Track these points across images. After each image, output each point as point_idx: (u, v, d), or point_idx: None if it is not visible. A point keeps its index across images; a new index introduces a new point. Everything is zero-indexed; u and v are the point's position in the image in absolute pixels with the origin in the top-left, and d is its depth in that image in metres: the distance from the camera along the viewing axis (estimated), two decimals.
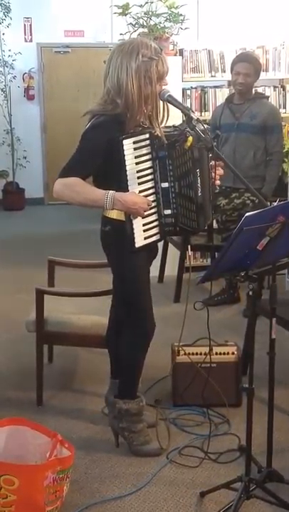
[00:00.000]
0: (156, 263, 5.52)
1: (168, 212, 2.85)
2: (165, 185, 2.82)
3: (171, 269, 5.47)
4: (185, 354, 3.43)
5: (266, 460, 2.68)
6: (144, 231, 2.82)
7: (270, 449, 2.68)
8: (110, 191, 2.71)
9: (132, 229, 2.78)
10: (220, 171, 2.93)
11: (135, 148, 2.75)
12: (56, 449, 2.62)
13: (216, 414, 3.38)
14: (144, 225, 2.81)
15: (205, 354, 3.38)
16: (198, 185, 2.76)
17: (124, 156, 2.71)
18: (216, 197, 4.93)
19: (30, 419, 2.92)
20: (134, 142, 2.74)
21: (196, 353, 3.43)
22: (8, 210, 9.41)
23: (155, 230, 2.86)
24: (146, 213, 2.79)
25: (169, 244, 5.57)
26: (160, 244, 5.31)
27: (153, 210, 2.83)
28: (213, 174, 2.86)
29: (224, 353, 3.45)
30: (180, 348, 3.45)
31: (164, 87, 2.77)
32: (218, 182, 2.92)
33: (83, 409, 3.50)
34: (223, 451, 3.06)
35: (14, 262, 6.48)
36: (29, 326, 3.50)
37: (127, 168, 2.73)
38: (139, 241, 2.81)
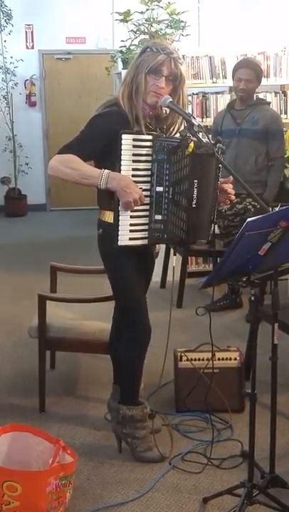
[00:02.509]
0: (158, 268, 5.53)
1: (158, 217, 2.80)
2: (160, 189, 2.78)
3: (175, 275, 5.46)
4: (187, 360, 3.43)
5: (269, 465, 2.68)
6: (131, 231, 2.77)
7: (273, 454, 2.67)
8: (106, 169, 2.71)
9: (118, 225, 2.75)
10: (231, 197, 2.89)
11: (134, 146, 2.73)
12: (59, 455, 2.62)
13: (218, 420, 3.37)
14: (131, 225, 2.77)
15: (207, 359, 3.38)
16: (194, 195, 2.70)
17: (120, 150, 2.70)
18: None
19: (33, 425, 2.92)
20: (134, 139, 2.72)
21: (199, 359, 3.43)
22: (11, 217, 9.44)
23: (142, 234, 2.81)
24: (135, 214, 2.76)
25: (171, 250, 5.56)
26: (162, 251, 5.35)
27: (144, 213, 2.79)
28: (217, 192, 2.81)
29: (227, 359, 3.45)
30: (182, 354, 3.45)
31: (164, 97, 2.77)
32: (225, 206, 2.89)
33: (86, 415, 3.50)
34: (226, 457, 3.06)
35: (16, 268, 6.49)
36: (31, 332, 3.50)
37: (122, 163, 2.71)
38: (123, 240, 2.76)
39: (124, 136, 2.70)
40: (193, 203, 2.69)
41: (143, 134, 2.75)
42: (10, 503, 2.46)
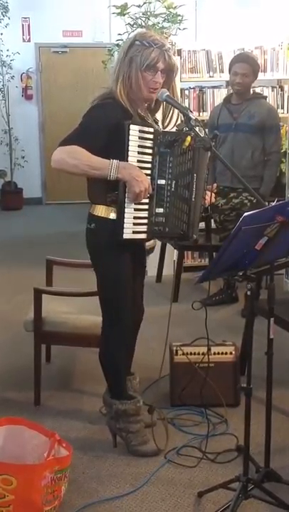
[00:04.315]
0: (154, 263, 5.54)
1: (160, 210, 2.79)
2: (162, 182, 2.78)
3: (170, 269, 5.47)
4: (183, 354, 3.43)
5: (264, 460, 2.68)
6: (134, 224, 2.76)
7: (268, 448, 2.68)
8: (114, 160, 2.67)
9: (123, 217, 2.72)
10: (212, 198, 2.93)
11: (140, 138, 2.71)
12: (54, 448, 2.62)
13: (214, 414, 3.38)
14: (135, 217, 2.76)
15: (203, 354, 3.38)
16: (194, 189, 2.72)
17: (128, 140, 2.67)
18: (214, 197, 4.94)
19: (28, 418, 2.92)
20: (140, 131, 2.71)
21: (194, 353, 3.43)
22: (7, 210, 9.43)
23: (144, 228, 2.80)
24: (138, 207, 2.74)
25: (167, 244, 5.56)
26: (158, 245, 5.34)
27: (145, 207, 2.78)
28: (207, 192, 2.86)
29: (222, 353, 3.45)
30: (178, 348, 3.45)
31: (162, 91, 2.77)
32: (206, 202, 2.91)
33: (81, 409, 3.50)
34: (221, 451, 3.06)
35: (12, 261, 6.48)
36: (27, 326, 3.50)
37: (129, 154, 2.69)
38: (128, 233, 2.74)
39: (132, 126, 2.68)
40: (193, 196, 2.71)
41: (145, 125, 2.74)
42: (5, 497, 2.46)
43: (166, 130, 2.87)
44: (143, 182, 2.68)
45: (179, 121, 2.86)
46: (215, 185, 2.97)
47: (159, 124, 2.91)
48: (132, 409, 3.02)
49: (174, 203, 2.79)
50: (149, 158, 2.76)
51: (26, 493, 2.47)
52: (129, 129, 2.67)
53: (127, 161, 2.70)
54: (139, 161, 2.73)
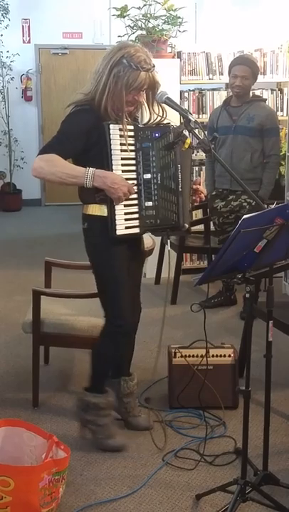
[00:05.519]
0: (153, 265, 5.53)
1: (149, 204, 2.85)
2: (147, 176, 2.84)
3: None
4: (182, 356, 3.43)
5: (262, 463, 2.68)
6: (126, 220, 2.80)
7: (266, 451, 2.68)
8: (90, 168, 2.72)
9: (114, 214, 2.77)
10: (201, 195, 2.98)
11: (121, 136, 2.77)
12: (52, 450, 2.62)
13: (212, 417, 3.37)
14: (125, 213, 2.80)
15: (202, 356, 3.38)
16: (179, 179, 2.78)
17: (109, 140, 2.73)
18: (213, 199, 4.95)
19: (27, 420, 2.92)
20: (120, 129, 2.76)
21: (193, 355, 3.43)
22: (6, 211, 9.42)
23: (136, 222, 2.84)
24: (127, 203, 2.78)
25: (166, 246, 5.55)
26: (156, 248, 5.34)
27: (134, 202, 2.83)
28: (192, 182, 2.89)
29: (221, 355, 3.45)
30: (177, 350, 3.45)
31: (161, 92, 2.80)
32: (197, 199, 2.96)
33: None
34: (219, 454, 3.06)
35: (11, 263, 6.48)
36: (26, 327, 3.49)
37: (112, 153, 2.75)
38: (121, 229, 2.79)
39: (111, 126, 2.74)
40: (180, 186, 2.78)
41: (123, 123, 2.78)
42: (2, 498, 2.46)
43: (146, 125, 2.90)
44: (120, 188, 2.72)
45: (161, 112, 2.88)
46: (199, 179, 3.02)
47: (139, 119, 2.95)
48: (103, 403, 3.04)
49: (161, 195, 2.84)
50: (132, 154, 2.81)
51: (24, 494, 2.46)
52: (109, 129, 2.73)
53: (111, 159, 2.75)
54: (122, 159, 2.78)
